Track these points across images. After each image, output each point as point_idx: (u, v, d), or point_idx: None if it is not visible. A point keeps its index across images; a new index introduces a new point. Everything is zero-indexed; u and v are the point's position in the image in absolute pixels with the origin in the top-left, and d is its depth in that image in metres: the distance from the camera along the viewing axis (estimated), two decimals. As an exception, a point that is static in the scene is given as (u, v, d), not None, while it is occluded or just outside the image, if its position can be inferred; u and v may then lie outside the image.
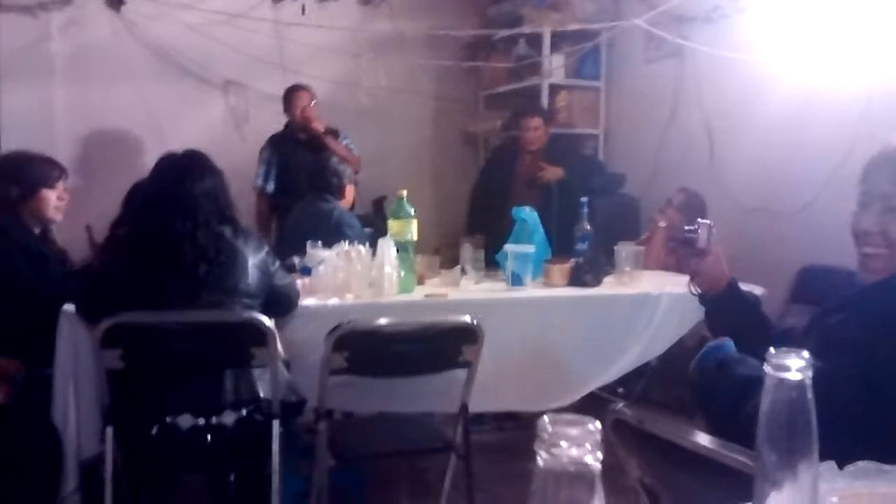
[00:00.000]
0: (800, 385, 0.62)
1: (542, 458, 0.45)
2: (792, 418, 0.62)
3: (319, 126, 4.42)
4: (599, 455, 0.46)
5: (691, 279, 1.89)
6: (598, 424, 0.46)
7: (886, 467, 1.01)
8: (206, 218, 2.38)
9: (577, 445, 0.44)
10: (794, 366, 0.62)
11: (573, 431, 0.44)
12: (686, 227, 1.78)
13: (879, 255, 1.43)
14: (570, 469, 0.44)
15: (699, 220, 1.88)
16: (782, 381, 0.62)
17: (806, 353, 0.63)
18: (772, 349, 0.64)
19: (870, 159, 1.47)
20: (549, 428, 0.45)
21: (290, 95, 4.50)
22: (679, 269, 3.57)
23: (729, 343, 1.57)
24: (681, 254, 1.66)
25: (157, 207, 2.40)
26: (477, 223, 4.61)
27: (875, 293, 1.44)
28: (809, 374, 0.62)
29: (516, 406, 3.13)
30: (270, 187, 4.53)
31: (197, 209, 2.37)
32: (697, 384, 1.71)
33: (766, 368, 0.63)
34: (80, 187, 4.27)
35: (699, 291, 1.87)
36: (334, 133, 4.53)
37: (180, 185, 2.38)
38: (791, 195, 3.74)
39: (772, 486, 0.63)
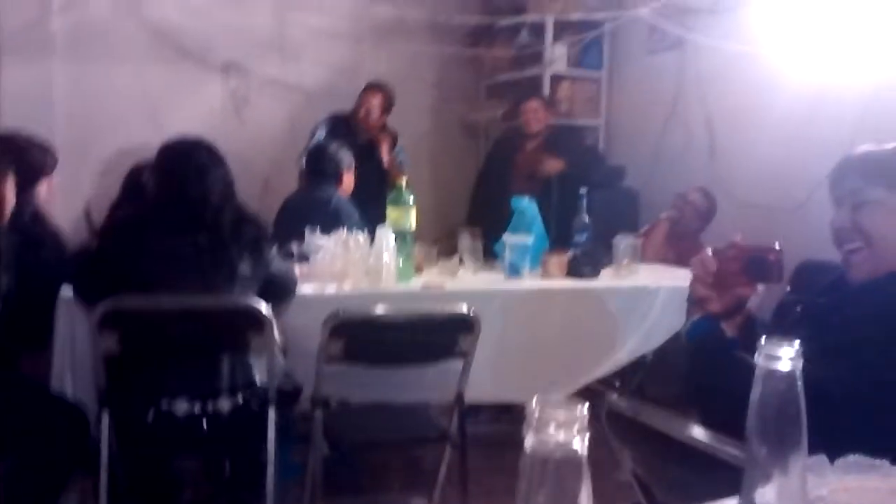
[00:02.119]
0: (790, 375, 0.62)
1: (529, 442, 0.45)
2: (782, 408, 0.62)
3: (385, 142, 4.31)
4: (586, 439, 0.46)
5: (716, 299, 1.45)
6: (585, 408, 0.46)
7: (877, 461, 1.01)
8: (219, 206, 2.39)
9: (565, 429, 0.44)
10: (785, 355, 0.62)
11: (561, 415, 0.44)
12: (758, 246, 1.39)
13: (859, 250, 1.46)
14: (556, 453, 0.44)
15: (776, 244, 1.44)
16: (773, 371, 0.62)
17: (797, 343, 0.63)
18: (763, 339, 0.64)
19: (835, 166, 1.54)
20: (537, 411, 0.45)
21: (363, 91, 4.43)
22: (678, 262, 3.58)
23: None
24: (736, 271, 1.38)
25: (171, 197, 2.40)
26: (478, 214, 4.60)
27: (865, 295, 1.46)
28: (800, 364, 0.62)
29: (512, 397, 3.13)
30: None
31: (211, 198, 2.39)
32: (692, 374, 1.70)
33: (757, 358, 0.63)
34: (77, 167, 4.28)
35: (717, 311, 1.45)
36: (393, 137, 4.49)
37: (199, 177, 2.39)
38: (791, 191, 3.74)
39: (761, 476, 0.64)
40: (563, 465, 0.45)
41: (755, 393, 0.63)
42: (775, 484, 0.66)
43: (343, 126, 4.44)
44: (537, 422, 0.45)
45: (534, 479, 0.45)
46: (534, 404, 0.46)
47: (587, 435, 0.46)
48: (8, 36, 4.48)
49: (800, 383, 0.62)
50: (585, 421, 0.46)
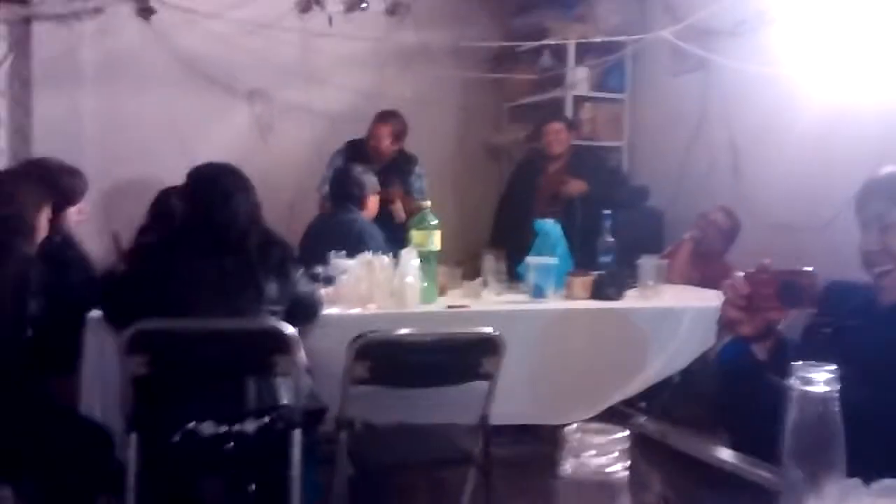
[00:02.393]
0: (826, 398, 0.61)
1: (568, 467, 0.45)
2: (819, 432, 0.62)
3: (397, 210, 4.25)
4: (626, 464, 0.46)
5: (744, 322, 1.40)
6: (625, 433, 0.46)
7: (913, 485, 0.99)
8: (245, 229, 2.42)
9: (604, 455, 0.44)
10: (820, 379, 0.61)
11: (600, 440, 0.44)
12: (791, 270, 1.34)
13: (889, 272, 1.45)
14: (595, 478, 0.44)
15: (809, 268, 1.37)
16: (808, 394, 0.61)
17: (832, 367, 0.62)
18: (795, 363, 0.63)
19: (860, 189, 1.52)
20: (577, 436, 0.45)
21: (374, 122, 4.46)
22: (703, 283, 3.56)
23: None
24: (769, 295, 1.33)
25: (198, 221, 2.44)
26: (501, 236, 4.60)
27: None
28: (836, 387, 0.62)
29: (537, 419, 3.11)
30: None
31: (238, 222, 2.43)
32: (722, 396, 1.68)
33: (792, 382, 0.63)
34: (107, 194, 4.34)
35: (748, 334, 1.41)
36: (410, 160, 4.51)
37: (225, 202, 2.43)
38: (817, 211, 3.70)
39: (798, 500, 0.63)
40: (601, 490, 0.45)
41: (791, 416, 0.63)
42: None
43: (361, 152, 4.48)
44: (576, 446, 0.45)
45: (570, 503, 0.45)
46: (573, 428, 0.46)
47: (627, 461, 0.46)
48: (40, 65, 4.58)
49: (837, 406, 0.62)
50: (625, 446, 0.46)
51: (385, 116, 4.48)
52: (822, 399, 0.62)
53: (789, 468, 0.63)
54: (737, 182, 4.29)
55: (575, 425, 0.47)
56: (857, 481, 0.97)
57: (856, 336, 1.49)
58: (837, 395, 0.62)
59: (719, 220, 3.92)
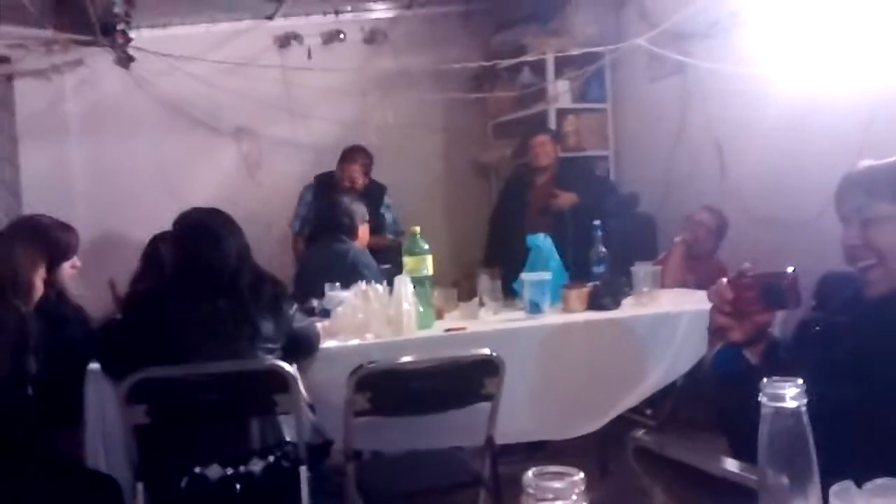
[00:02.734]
0: (795, 412, 0.63)
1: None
2: (791, 444, 0.63)
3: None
4: (585, 504, 0.47)
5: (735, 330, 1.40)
6: (581, 475, 0.47)
7: (906, 483, 0.99)
8: (236, 269, 2.44)
9: (563, 499, 0.45)
10: (790, 394, 0.63)
11: (558, 485, 0.45)
12: (772, 272, 1.34)
13: (872, 266, 1.45)
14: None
15: (789, 269, 1.36)
16: (778, 410, 0.63)
17: (800, 381, 0.64)
18: (765, 380, 0.65)
19: (838, 184, 1.53)
20: (534, 482, 0.47)
21: (342, 159, 4.56)
22: (698, 285, 3.57)
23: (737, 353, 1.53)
24: (752, 299, 1.34)
25: (189, 265, 2.45)
26: (495, 253, 4.62)
27: (883, 310, 1.44)
28: (804, 401, 0.63)
29: (544, 435, 3.12)
30: (303, 228, 4.53)
31: (228, 263, 2.45)
32: (718, 402, 1.69)
33: (762, 398, 0.64)
34: (99, 243, 4.36)
35: (738, 339, 1.41)
36: (381, 189, 4.57)
37: (215, 245, 2.45)
38: (802, 205, 3.72)
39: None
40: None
41: (763, 431, 0.64)
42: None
43: (330, 185, 4.54)
44: (534, 492, 0.46)
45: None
46: (530, 475, 0.47)
47: (585, 501, 0.47)
48: (24, 121, 4.61)
49: (805, 419, 0.63)
50: (582, 487, 0.47)
51: (354, 153, 4.57)
52: (792, 413, 0.63)
53: (767, 477, 0.65)
54: (724, 180, 4.32)
55: (531, 472, 0.48)
56: (848, 483, 0.97)
57: (846, 331, 1.50)
58: (805, 408, 0.64)
59: (705, 220, 3.93)
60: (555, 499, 0.45)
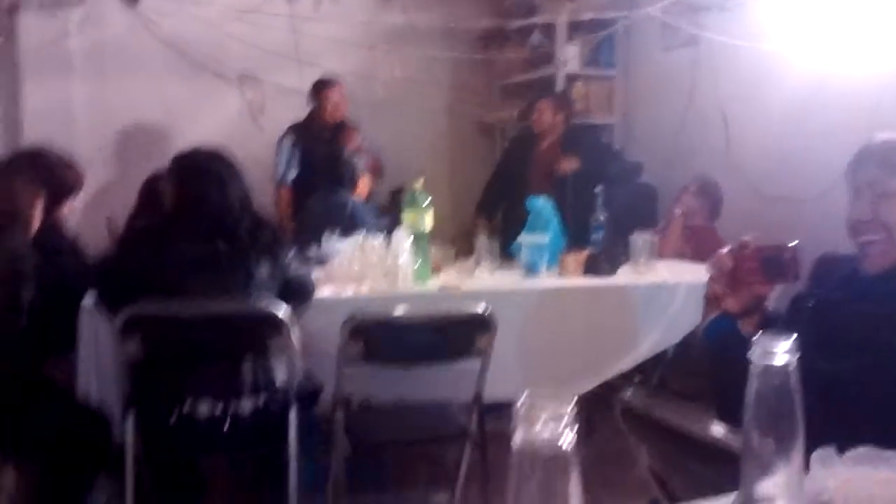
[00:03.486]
0: (784, 370, 0.63)
1: (518, 439, 0.47)
2: (778, 402, 0.63)
3: (354, 140, 4.34)
4: (573, 434, 0.48)
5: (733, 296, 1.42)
6: (572, 404, 0.48)
7: (887, 453, 1.01)
8: (237, 214, 2.44)
9: (552, 426, 0.45)
10: (780, 350, 0.63)
11: (548, 411, 0.46)
12: (774, 245, 1.35)
13: (877, 241, 1.45)
14: (544, 450, 0.46)
15: (790, 244, 1.38)
16: (768, 366, 0.63)
17: (792, 337, 0.64)
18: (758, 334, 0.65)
19: (854, 155, 1.51)
20: (525, 408, 0.47)
21: (319, 91, 4.48)
22: (696, 257, 3.57)
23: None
24: (752, 270, 1.35)
25: (190, 206, 2.45)
26: (488, 205, 4.61)
27: (880, 286, 1.45)
28: (794, 358, 0.64)
29: (532, 395, 3.14)
30: (292, 175, 4.52)
31: (230, 208, 2.44)
32: (710, 370, 1.70)
33: (752, 355, 0.64)
34: (98, 180, 4.34)
35: (734, 310, 1.43)
36: (354, 128, 4.54)
37: (219, 189, 2.45)
38: (808, 183, 3.71)
39: (760, 469, 0.65)
40: (551, 462, 0.46)
41: (751, 388, 0.65)
42: (778, 476, 0.67)
43: (306, 127, 4.51)
44: (525, 418, 0.47)
45: (523, 476, 0.47)
46: (522, 400, 0.48)
47: (574, 431, 0.47)
48: (27, 55, 4.56)
49: (794, 378, 0.64)
50: (573, 417, 0.48)
51: (330, 82, 4.51)
52: (782, 371, 0.64)
53: (752, 439, 0.65)
54: (730, 155, 4.30)
55: (524, 396, 0.48)
56: (830, 450, 0.99)
57: (839, 307, 1.51)
58: (796, 366, 0.64)
59: (691, 188, 3.93)
60: (546, 420, 0.46)
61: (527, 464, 0.46)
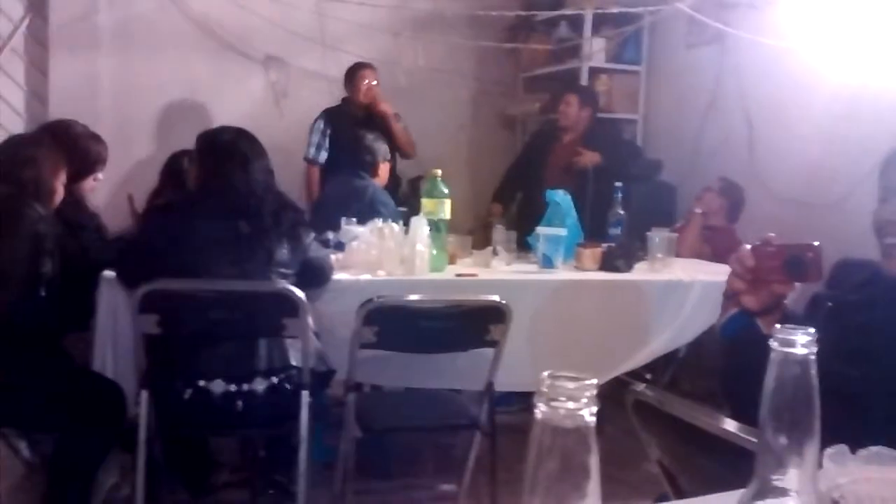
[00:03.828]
0: (804, 360, 0.63)
1: (540, 411, 0.47)
2: (796, 394, 0.63)
3: (388, 109, 4.38)
4: (594, 410, 0.48)
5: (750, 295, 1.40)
6: (594, 381, 0.49)
7: (901, 453, 1.01)
8: (261, 195, 2.46)
9: (574, 400, 0.46)
10: (800, 341, 0.63)
11: (570, 386, 0.47)
12: (797, 244, 1.33)
13: None
14: (566, 422, 0.46)
15: (815, 242, 1.35)
16: (787, 356, 0.63)
17: (812, 330, 0.64)
18: (777, 325, 0.65)
19: (886, 155, 1.49)
20: (548, 382, 0.48)
21: (355, 73, 4.49)
22: (714, 257, 3.56)
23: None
24: (774, 268, 1.34)
25: (214, 185, 2.47)
26: (504, 196, 4.62)
27: None
28: (814, 349, 0.64)
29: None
30: (322, 157, 4.53)
31: (253, 188, 2.46)
32: (725, 368, 1.69)
33: (772, 343, 0.65)
34: (122, 157, 4.37)
35: (753, 307, 1.40)
36: (396, 115, 4.56)
37: (244, 168, 2.47)
38: (831, 187, 3.69)
39: (775, 462, 0.65)
40: (572, 435, 0.47)
41: (769, 378, 0.65)
42: (792, 470, 0.68)
43: (340, 111, 4.51)
44: (548, 392, 0.47)
45: (543, 448, 0.47)
46: (545, 375, 0.48)
47: (595, 407, 0.48)
48: (56, 30, 4.60)
49: (814, 368, 0.64)
50: (594, 392, 0.48)
51: (363, 66, 4.50)
52: (802, 361, 0.64)
53: (767, 431, 0.65)
54: (752, 157, 4.28)
55: (546, 372, 0.49)
56: (842, 447, 0.99)
57: (859, 309, 1.50)
58: (815, 358, 0.64)
59: (721, 192, 3.92)
60: (567, 399, 0.46)
61: (548, 436, 0.47)
